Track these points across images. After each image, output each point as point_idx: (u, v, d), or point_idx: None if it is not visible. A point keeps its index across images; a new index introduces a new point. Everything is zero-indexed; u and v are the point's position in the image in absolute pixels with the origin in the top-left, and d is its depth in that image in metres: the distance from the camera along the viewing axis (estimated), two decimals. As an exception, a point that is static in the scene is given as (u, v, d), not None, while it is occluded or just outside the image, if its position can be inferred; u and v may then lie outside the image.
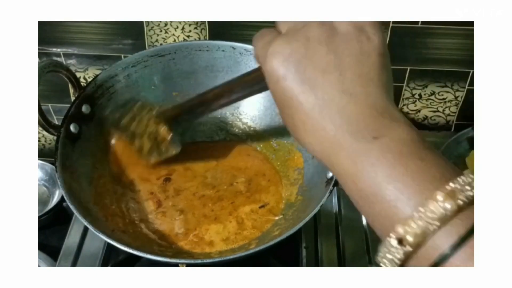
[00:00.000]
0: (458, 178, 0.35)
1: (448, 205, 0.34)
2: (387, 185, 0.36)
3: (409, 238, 0.34)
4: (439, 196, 0.34)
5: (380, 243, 0.37)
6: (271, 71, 0.42)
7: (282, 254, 0.69)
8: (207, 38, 0.77)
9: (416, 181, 0.35)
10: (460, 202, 0.34)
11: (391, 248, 0.35)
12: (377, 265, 0.37)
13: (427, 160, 0.36)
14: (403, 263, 0.35)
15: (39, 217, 0.79)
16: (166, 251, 0.64)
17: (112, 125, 0.70)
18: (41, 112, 0.62)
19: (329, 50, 0.40)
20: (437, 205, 0.34)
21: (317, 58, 0.40)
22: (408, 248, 0.34)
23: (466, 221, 0.34)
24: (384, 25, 0.73)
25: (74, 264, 0.71)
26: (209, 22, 0.75)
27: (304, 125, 0.41)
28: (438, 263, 0.34)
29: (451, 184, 0.34)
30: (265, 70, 0.43)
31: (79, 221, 0.69)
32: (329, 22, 0.43)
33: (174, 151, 0.69)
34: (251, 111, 0.77)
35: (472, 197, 0.34)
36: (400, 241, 0.35)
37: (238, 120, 0.77)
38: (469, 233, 0.33)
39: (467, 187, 0.34)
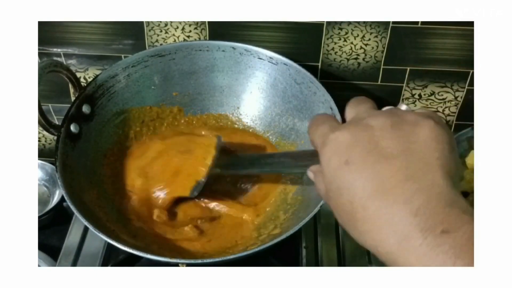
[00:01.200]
0: None
1: None
2: None
3: None
4: None
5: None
6: (330, 157, 0.40)
7: (282, 254, 0.69)
8: (207, 38, 0.76)
9: None
10: None
11: None
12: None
13: None
14: None
15: (39, 217, 0.79)
16: (165, 251, 0.64)
17: None
18: (41, 112, 0.62)
19: (394, 136, 0.38)
20: None
21: (381, 144, 0.38)
22: None
23: None
24: (384, 25, 0.73)
25: (74, 264, 0.71)
26: (209, 22, 0.75)
27: (365, 218, 0.37)
28: None
29: None
30: (324, 155, 0.41)
31: (79, 221, 0.68)
32: (395, 111, 0.41)
33: (194, 193, 0.66)
34: (251, 111, 0.77)
35: None
36: None
37: (238, 120, 0.77)
38: None
39: None
